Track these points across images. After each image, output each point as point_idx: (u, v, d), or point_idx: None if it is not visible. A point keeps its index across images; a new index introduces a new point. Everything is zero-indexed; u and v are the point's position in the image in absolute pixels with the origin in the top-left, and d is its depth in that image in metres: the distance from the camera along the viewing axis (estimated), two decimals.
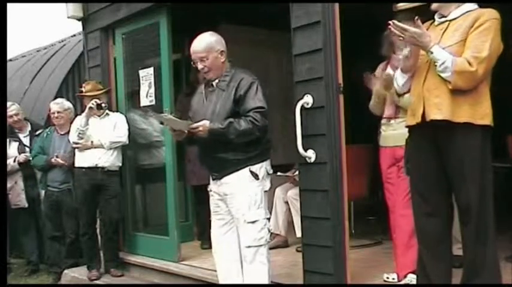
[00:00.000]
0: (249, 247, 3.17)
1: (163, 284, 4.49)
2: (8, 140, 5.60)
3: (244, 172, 3.18)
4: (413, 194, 2.89)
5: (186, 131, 3.22)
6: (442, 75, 2.58)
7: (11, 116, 5.60)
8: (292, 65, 3.50)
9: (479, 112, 2.60)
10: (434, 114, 2.61)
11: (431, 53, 2.60)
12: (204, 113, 3.24)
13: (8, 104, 5.63)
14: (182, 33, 5.42)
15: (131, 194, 5.25)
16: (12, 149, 5.63)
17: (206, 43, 3.22)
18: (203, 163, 3.40)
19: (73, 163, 4.96)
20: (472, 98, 2.59)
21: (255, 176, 3.18)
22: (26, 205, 5.62)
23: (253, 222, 3.16)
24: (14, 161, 5.56)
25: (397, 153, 3.36)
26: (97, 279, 4.80)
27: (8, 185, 5.62)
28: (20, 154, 5.58)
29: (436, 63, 2.59)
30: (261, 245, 3.18)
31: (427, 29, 2.83)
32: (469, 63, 2.53)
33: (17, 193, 5.64)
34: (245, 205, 3.17)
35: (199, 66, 3.24)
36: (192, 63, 3.29)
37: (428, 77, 2.68)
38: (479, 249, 2.63)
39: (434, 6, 2.78)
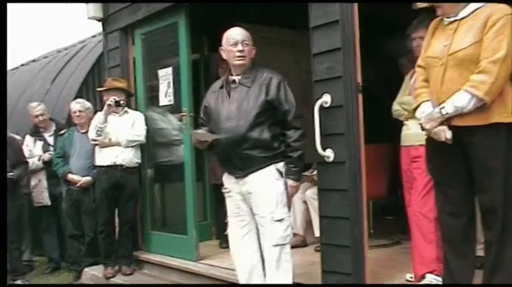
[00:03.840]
0: (276, 245, 3.16)
1: (182, 284, 4.51)
2: (33, 139, 5.77)
3: (270, 170, 3.18)
4: (437, 193, 2.86)
5: (210, 140, 3.24)
6: (477, 106, 2.52)
7: (37, 116, 5.72)
8: (310, 64, 3.49)
9: (506, 110, 2.56)
10: (456, 121, 2.58)
11: (447, 112, 2.57)
12: (228, 111, 3.22)
13: (34, 104, 5.82)
14: (201, 33, 5.45)
15: (150, 192, 5.29)
16: (37, 148, 5.74)
17: (247, 33, 3.29)
18: (224, 163, 3.34)
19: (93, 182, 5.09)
20: (498, 98, 2.54)
21: (281, 174, 3.20)
22: (49, 203, 5.71)
23: (280, 220, 3.16)
24: (39, 159, 5.66)
25: (411, 152, 3.36)
26: (112, 277, 4.84)
27: (32, 183, 5.76)
28: (44, 152, 5.68)
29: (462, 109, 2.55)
30: (286, 244, 3.19)
31: (435, 29, 2.80)
32: (487, 72, 2.48)
33: (40, 191, 5.75)
34: (273, 203, 3.17)
35: (240, 47, 3.23)
36: (230, 45, 3.24)
37: (445, 80, 2.62)
38: (502, 250, 2.60)
39: (439, 12, 2.74)
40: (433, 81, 2.70)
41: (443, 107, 2.59)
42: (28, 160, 5.63)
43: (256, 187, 3.19)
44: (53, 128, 5.87)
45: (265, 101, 3.16)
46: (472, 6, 2.63)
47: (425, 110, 2.72)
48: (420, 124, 2.72)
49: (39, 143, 5.76)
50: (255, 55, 3.32)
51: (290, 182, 3.22)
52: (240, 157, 3.19)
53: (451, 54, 2.61)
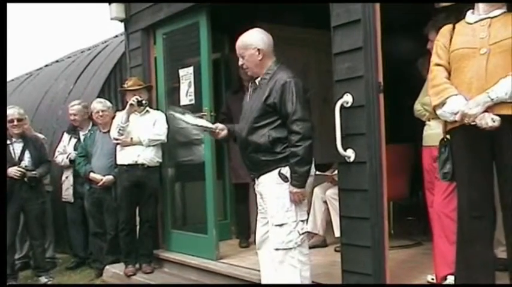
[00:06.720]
0: (277, 249, 3.15)
1: (203, 284, 4.53)
2: (69, 136, 5.86)
3: (273, 174, 3.16)
4: (460, 195, 2.81)
5: (223, 132, 3.27)
6: None
7: (70, 115, 5.81)
8: (331, 63, 3.48)
9: None
10: (500, 110, 2.52)
11: (496, 96, 2.52)
12: (245, 111, 3.29)
13: (73, 102, 5.92)
14: (222, 33, 5.47)
15: (170, 191, 5.32)
16: (70, 145, 5.83)
17: (243, 40, 3.26)
18: (242, 163, 3.42)
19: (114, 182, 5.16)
20: None
21: (284, 178, 3.13)
22: (72, 200, 5.77)
23: (280, 225, 3.14)
24: (67, 157, 5.73)
25: (433, 153, 3.32)
26: (133, 274, 4.88)
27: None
28: (75, 150, 5.73)
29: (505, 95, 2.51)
30: (290, 249, 3.13)
31: (453, 29, 2.78)
32: None
33: (66, 188, 5.85)
34: (273, 208, 3.17)
35: (240, 62, 3.29)
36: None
37: (490, 67, 2.58)
38: None
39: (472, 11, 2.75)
40: (471, 71, 2.65)
41: (490, 92, 2.54)
42: (60, 155, 5.78)
43: (263, 190, 3.25)
44: (89, 127, 5.92)
45: (264, 104, 3.13)
46: (503, 8, 2.67)
47: (458, 101, 2.64)
48: (463, 113, 2.59)
49: (73, 141, 5.84)
50: (275, 55, 3.30)
51: (290, 188, 3.11)
52: (248, 159, 3.25)
53: (495, 43, 2.61)
